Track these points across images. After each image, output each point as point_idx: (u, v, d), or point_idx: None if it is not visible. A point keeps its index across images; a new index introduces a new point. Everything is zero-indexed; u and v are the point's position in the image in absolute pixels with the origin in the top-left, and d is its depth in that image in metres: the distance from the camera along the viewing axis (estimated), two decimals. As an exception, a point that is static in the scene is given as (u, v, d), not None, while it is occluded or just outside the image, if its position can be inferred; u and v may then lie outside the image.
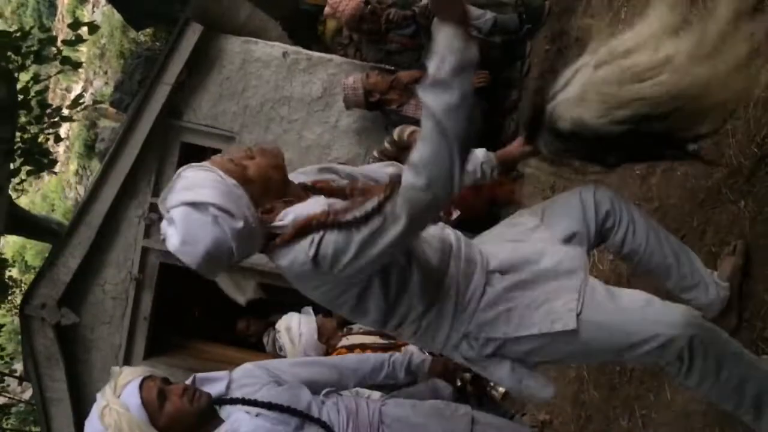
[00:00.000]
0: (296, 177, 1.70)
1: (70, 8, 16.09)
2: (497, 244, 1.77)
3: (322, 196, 1.60)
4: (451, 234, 1.74)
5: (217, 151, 4.74)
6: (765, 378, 1.65)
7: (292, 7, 4.91)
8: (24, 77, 6.42)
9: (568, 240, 1.77)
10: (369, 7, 4.11)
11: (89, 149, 13.58)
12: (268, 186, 1.57)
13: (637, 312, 1.59)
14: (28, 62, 6.15)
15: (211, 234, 1.48)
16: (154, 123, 4.46)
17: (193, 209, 1.49)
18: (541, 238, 1.76)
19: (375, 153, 4.06)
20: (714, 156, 2.28)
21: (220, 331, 5.32)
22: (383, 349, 3.45)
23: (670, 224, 2.47)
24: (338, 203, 1.54)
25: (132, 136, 4.47)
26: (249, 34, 4.78)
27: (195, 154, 4.87)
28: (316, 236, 1.46)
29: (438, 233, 1.70)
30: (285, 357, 3.72)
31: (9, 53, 6.01)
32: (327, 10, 4.11)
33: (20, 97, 6.15)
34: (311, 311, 3.73)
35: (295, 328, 3.57)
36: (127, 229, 4.60)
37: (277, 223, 1.53)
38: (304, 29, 5.47)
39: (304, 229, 1.48)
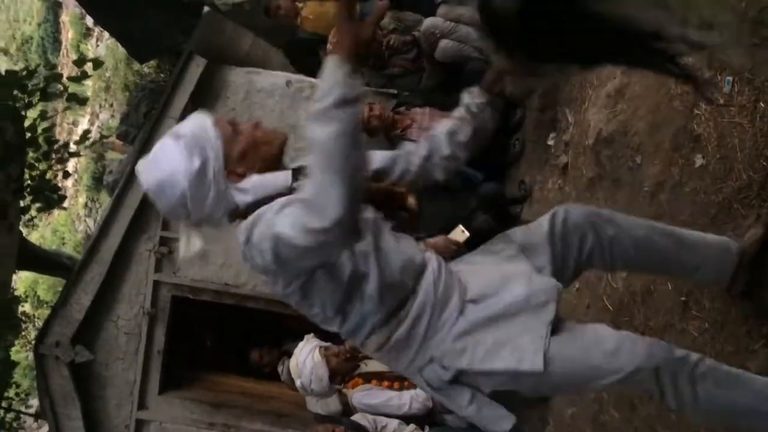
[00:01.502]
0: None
1: (74, 43, 16.29)
2: (474, 273, 1.76)
3: (290, 172, 1.61)
4: (433, 260, 1.73)
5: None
6: (753, 397, 1.62)
7: (292, 36, 4.95)
8: (31, 114, 6.49)
9: (544, 270, 1.77)
10: (370, 37, 4.13)
11: (97, 182, 13.67)
12: (249, 153, 1.61)
13: (602, 346, 1.60)
14: (35, 100, 6.21)
15: (170, 164, 1.54)
16: (161, 157, 4.48)
17: (171, 139, 1.58)
18: (518, 270, 1.75)
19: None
20: (721, 170, 2.28)
21: (234, 362, 5.32)
22: (400, 379, 3.44)
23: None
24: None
25: (140, 171, 4.49)
26: (252, 64, 4.82)
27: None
28: (258, 214, 1.49)
29: (412, 253, 1.69)
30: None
31: (16, 92, 6.07)
32: (329, 47, 4.13)
33: (28, 134, 6.21)
34: (313, 338, 3.71)
35: (300, 361, 3.56)
36: (138, 263, 4.61)
37: (240, 184, 1.56)
38: (306, 55, 5.50)
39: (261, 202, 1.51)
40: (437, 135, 1.81)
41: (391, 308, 1.62)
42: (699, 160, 2.44)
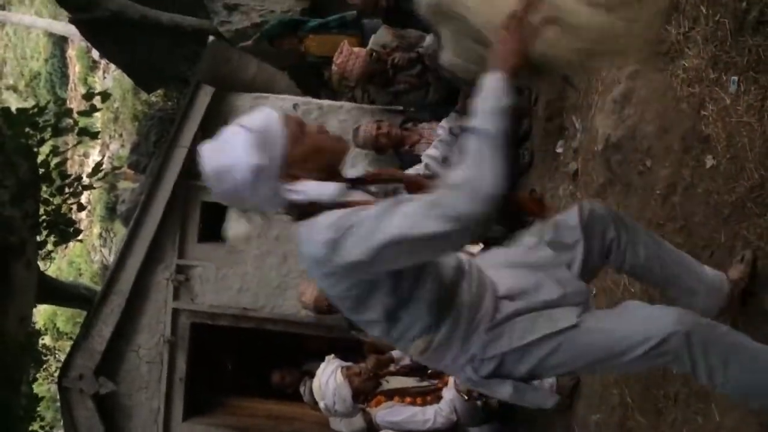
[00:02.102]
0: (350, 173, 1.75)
1: (81, 76, 16.49)
2: (500, 269, 1.82)
3: (344, 184, 1.64)
4: (464, 260, 1.77)
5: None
6: None
7: (298, 59, 5.01)
8: (43, 150, 6.57)
9: (574, 263, 1.85)
10: (374, 55, 4.18)
11: (111, 212, 13.78)
12: (311, 158, 1.62)
13: (632, 315, 1.67)
14: (47, 136, 6.29)
15: (232, 153, 1.55)
16: (174, 186, 4.53)
17: (239, 129, 1.58)
18: (544, 259, 1.83)
19: (393, 194, 4.09)
20: (733, 170, 2.28)
21: (256, 385, 5.33)
22: (422, 394, 3.44)
23: (697, 242, 2.45)
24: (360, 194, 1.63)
25: (153, 201, 4.55)
26: (258, 88, 4.88)
27: (216, 211, 4.94)
28: (338, 217, 1.50)
29: (456, 262, 1.74)
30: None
31: (27, 129, 6.15)
32: (334, 69, 4.18)
33: (41, 170, 6.28)
34: (334, 359, 3.72)
35: (323, 383, 3.56)
36: (156, 292, 4.65)
37: (291, 186, 1.58)
38: (311, 76, 5.56)
39: (318, 206, 1.55)
40: (432, 164, 1.84)
41: (440, 312, 1.66)
42: (710, 161, 2.44)
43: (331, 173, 1.66)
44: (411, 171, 3.73)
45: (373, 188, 1.76)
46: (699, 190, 2.50)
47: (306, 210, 1.58)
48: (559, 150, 3.79)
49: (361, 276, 1.55)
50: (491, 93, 1.43)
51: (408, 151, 4.30)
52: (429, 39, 4.21)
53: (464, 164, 1.41)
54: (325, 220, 1.52)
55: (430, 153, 3.86)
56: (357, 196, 1.65)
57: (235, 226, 1.72)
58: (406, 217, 1.42)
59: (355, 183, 1.71)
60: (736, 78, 2.36)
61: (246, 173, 1.55)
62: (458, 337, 1.68)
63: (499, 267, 1.83)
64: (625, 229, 1.91)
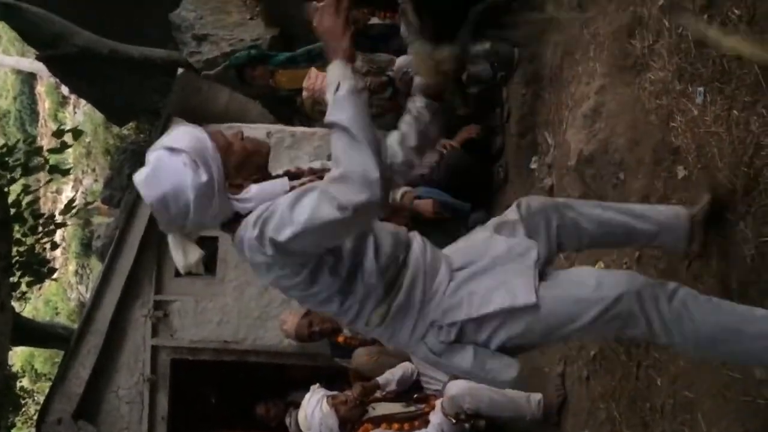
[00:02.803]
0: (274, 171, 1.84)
1: (51, 112, 16.34)
2: (456, 250, 1.92)
3: (286, 178, 1.73)
4: (417, 236, 1.88)
5: (214, 239, 4.75)
6: (740, 320, 1.70)
7: (269, 91, 5.01)
8: (14, 189, 6.46)
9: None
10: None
11: (86, 248, 13.59)
12: (245, 164, 1.69)
13: (586, 280, 1.75)
14: (17, 175, 6.20)
15: (174, 177, 1.57)
16: (149, 220, 4.48)
17: (168, 153, 1.60)
18: (496, 240, 1.91)
19: (370, 218, 4.07)
20: (704, 179, 2.30)
21: (241, 418, 5.24)
22: (410, 419, 3.40)
23: (673, 258, 2.46)
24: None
25: (128, 236, 4.49)
26: (231, 118, 4.85)
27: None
28: (265, 210, 1.57)
29: (397, 230, 1.85)
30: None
31: (-3, 170, 6.06)
32: (305, 94, 4.17)
33: (12, 210, 6.18)
34: (319, 388, 3.67)
35: (309, 413, 3.51)
36: (134, 330, 4.57)
37: (241, 195, 1.64)
38: (284, 103, 5.56)
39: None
40: (390, 144, 1.84)
41: (390, 279, 1.73)
42: (681, 172, 2.46)
43: (264, 174, 1.74)
44: None
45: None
46: (673, 200, 2.52)
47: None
48: (534, 166, 3.81)
49: (296, 260, 1.63)
50: (332, 85, 1.55)
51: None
52: (400, 61, 4.23)
53: (335, 159, 1.53)
54: (252, 217, 1.59)
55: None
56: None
57: (184, 256, 1.71)
58: (310, 207, 1.51)
59: (291, 178, 1.78)
60: (702, 89, 2.39)
61: (191, 194, 1.58)
62: (416, 304, 1.74)
63: (452, 248, 1.94)
64: (566, 211, 1.98)
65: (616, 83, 2.93)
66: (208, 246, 4.95)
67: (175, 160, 1.59)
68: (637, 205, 2.13)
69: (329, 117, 1.54)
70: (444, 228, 3.92)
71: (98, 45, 7.61)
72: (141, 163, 1.57)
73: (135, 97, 8.89)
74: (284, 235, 1.52)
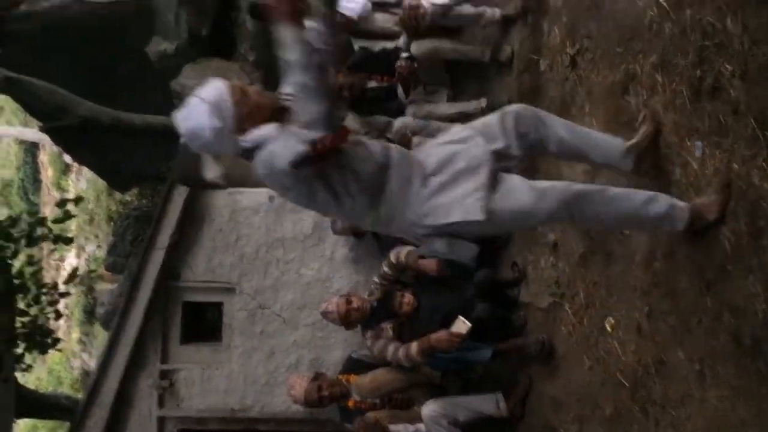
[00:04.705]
0: None
1: (54, 180, 16.48)
2: (429, 149, 2.43)
3: (274, 125, 2.16)
4: (393, 150, 2.36)
5: (219, 305, 4.73)
6: (641, 200, 2.31)
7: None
8: (18, 259, 6.47)
9: (497, 154, 2.37)
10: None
11: (89, 315, 13.50)
12: (254, 114, 2.17)
13: (528, 196, 2.27)
14: (21, 247, 6.21)
15: (198, 119, 2.14)
16: (154, 289, 4.47)
17: (198, 101, 2.16)
18: (464, 147, 2.36)
19: (375, 279, 4.06)
20: (708, 233, 2.31)
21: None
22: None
23: (684, 308, 2.45)
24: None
25: (133, 306, 4.47)
26: (233, 182, 4.89)
27: (197, 311, 4.85)
28: (265, 154, 2.12)
29: (379, 151, 2.31)
30: None
31: (1, 242, 6.08)
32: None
33: (16, 281, 6.17)
34: None
35: None
36: (140, 401, 4.50)
37: (243, 137, 2.16)
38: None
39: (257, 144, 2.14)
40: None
41: (374, 194, 2.26)
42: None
43: (270, 119, 2.18)
44: None
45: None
46: (679, 255, 2.51)
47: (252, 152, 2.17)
48: (536, 221, 3.81)
49: (297, 182, 2.18)
50: (285, 48, 2.04)
51: (388, 235, 4.30)
52: (397, 123, 4.28)
53: (300, 110, 2.11)
54: (261, 153, 2.14)
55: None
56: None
57: (211, 167, 2.37)
58: (291, 146, 2.08)
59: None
60: (700, 143, 2.41)
61: (209, 132, 2.14)
62: (398, 212, 2.29)
63: (429, 148, 2.44)
64: (542, 124, 2.44)
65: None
66: (213, 312, 4.94)
67: (201, 107, 2.14)
68: (595, 135, 2.58)
69: (294, 77, 2.07)
70: (449, 286, 3.90)
71: (100, 114, 7.73)
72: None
73: (137, 164, 8.99)
74: (282, 167, 2.09)
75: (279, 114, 2.22)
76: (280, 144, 2.11)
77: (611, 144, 2.55)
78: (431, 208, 2.28)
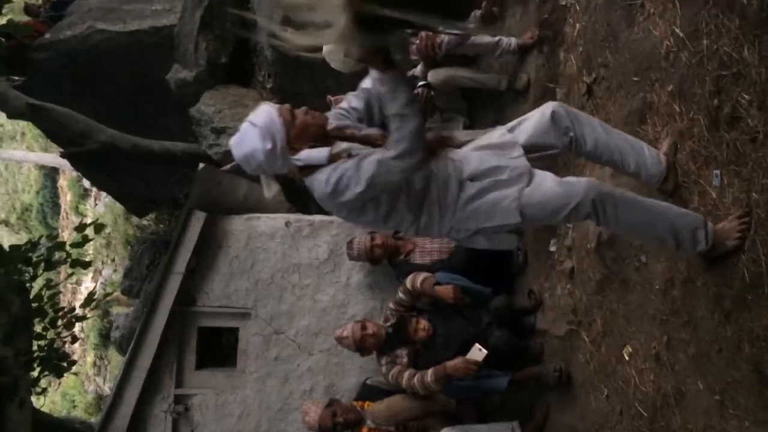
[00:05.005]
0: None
1: (73, 205, 16.67)
2: (469, 152, 2.53)
3: (328, 148, 2.33)
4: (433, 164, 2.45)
5: (234, 330, 4.74)
6: (667, 216, 2.37)
7: (288, 181, 5.10)
8: (36, 283, 6.52)
9: (529, 149, 2.50)
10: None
11: (104, 338, 13.54)
12: (303, 134, 2.32)
13: (556, 190, 2.38)
14: (40, 271, 6.27)
15: (251, 143, 2.29)
16: (170, 313, 4.48)
17: (250, 126, 2.32)
18: (504, 140, 2.53)
19: (391, 305, 4.05)
20: (727, 261, 2.29)
21: None
22: None
23: (704, 337, 2.42)
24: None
25: (149, 331, 4.48)
26: (249, 208, 4.93)
27: (213, 336, 4.86)
28: (328, 174, 2.28)
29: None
30: None
31: (20, 266, 6.14)
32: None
33: (34, 304, 6.21)
34: None
35: None
36: (154, 427, 4.49)
37: (295, 156, 2.31)
38: (300, 189, 5.63)
39: (310, 168, 2.32)
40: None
41: (416, 208, 2.41)
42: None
43: (322, 141, 2.35)
44: None
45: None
46: (698, 283, 2.50)
47: (306, 169, 2.33)
48: (553, 249, 3.81)
49: (353, 204, 2.33)
50: (394, 92, 2.17)
51: (403, 261, 4.31)
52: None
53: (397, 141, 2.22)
54: (322, 176, 2.29)
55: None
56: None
57: (268, 188, 2.45)
58: (373, 167, 2.24)
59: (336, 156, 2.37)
60: (718, 172, 2.41)
61: (262, 155, 2.29)
62: (436, 221, 2.45)
63: (469, 151, 2.54)
64: (578, 123, 2.53)
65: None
66: (228, 337, 4.94)
67: (252, 131, 2.29)
68: (633, 140, 2.63)
69: (397, 121, 2.20)
70: (465, 313, 3.89)
71: (120, 140, 7.84)
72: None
73: (156, 189, 9.08)
74: (352, 192, 2.26)
75: (325, 132, 2.40)
76: (351, 168, 2.26)
77: (647, 150, 2.61)
78: (471, 211, 2.43)
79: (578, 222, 2.59)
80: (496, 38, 4.21)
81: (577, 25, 3.59)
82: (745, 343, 2.19)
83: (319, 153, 2.33)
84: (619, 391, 3.03)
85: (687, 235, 2.36)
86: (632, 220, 2.40)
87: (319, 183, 2.31)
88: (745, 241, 2.25)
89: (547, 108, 2.55)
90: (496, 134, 2.58)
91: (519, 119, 2.61)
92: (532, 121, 2.55)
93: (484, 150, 2.52)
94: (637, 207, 2.40)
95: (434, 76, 4.31)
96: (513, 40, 4.18)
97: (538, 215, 2.42)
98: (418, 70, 4.39)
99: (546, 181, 2.41)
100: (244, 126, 2.35)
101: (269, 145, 2.27)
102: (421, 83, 4.31)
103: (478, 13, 4.21)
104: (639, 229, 2.46)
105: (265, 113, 2.34)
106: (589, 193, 2.34)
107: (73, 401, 15.22)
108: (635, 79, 2.95)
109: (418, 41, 4.23)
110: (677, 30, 2.65)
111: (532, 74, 4.17)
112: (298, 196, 5.65)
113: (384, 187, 2.32)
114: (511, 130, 2.58)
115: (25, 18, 9.89)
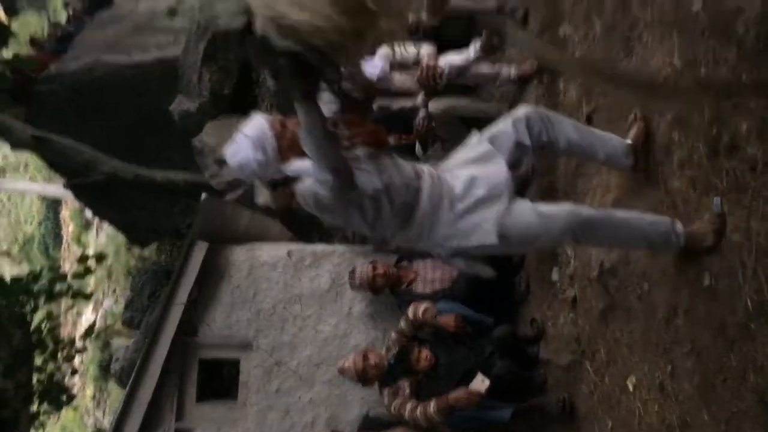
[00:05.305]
0: None
1: (75, 236, 16.71)
2: (455, 170, 2.60)
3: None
4: (426, 174, 2.56)
5: (236, 363, 4.71)
6: (640, 227, 2.52)
7: (289, 209, 5.11)
8: (37, 315, 6.51)
9: (511, 162, 2.61)
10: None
11: (104, 370, 13.44)
12: (294, 144, 2.38)
13: (536, 224, 2.47)
14: (41, 303, 6.26)
15: (244, 153, 2.42)
16: (171, 345, 4.46)
17: (243, 137, 2.44)
18: (484, 153, 2.61)
19: (393, 334, 4.03)
20: (729, 289, 2.28)
21: None
22: None
23: (708, 366, 2.40)
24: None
25: (150, 363, 4.45)
26: (252, 237, 4.94)
27: (213, 368, 4.83)
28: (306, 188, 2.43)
29: (409, 178, 2.51)
30: None
31: (22, 298, 6.13)
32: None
33: (34, 336, 6.20)
34: None
35: None
36: (154, 461, 4.44)
37: (286, 165, 2.43)
38: (303, 218, 5.65)
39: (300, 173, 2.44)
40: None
41: (404, 218, 2.50)
42: (706, 280, 2.45)
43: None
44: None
45: None
46: (700, 312, 2.49)
47: (296, 179, 2.45)
48: (555, 277, 3.80)
49: (336, 216, 2.52)
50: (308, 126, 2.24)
51: (405, 291, 4.30)
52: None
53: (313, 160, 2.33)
54: (304, 190, 2.42)
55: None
56: None
57: (262, 193, 2.63)
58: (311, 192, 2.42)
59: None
60: (718, 199, 2.42)
61: (255, 164, 2.43)
62: (425, 232, 2.53)
63: (455, 168, 2.62)
64: (551, 125, 2.66)
65: (631, 195, 2.98)
66: (229, 369, 4.90)
67: (245, 142, 2.42)
68: (600, 133, 2.81)
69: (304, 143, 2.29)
70: (467, 343, 3.87)
71: (123, 171, 7.90)
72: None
73: (159, 220, 9.11)
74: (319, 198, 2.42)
75: None
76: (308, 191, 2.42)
77: (614, 141, 2.79)
78: (456, 231, 2.51)
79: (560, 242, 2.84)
80: (497, 68, 4.25)
81: (576, 55, 3.63)
82: (750, 373, 2.17)
83: (305, 163, 2.43)
84: (624, 422, 2.99)
85: (659, 240, 2.52)
86: (608, 237, 2.57)
87: (302, 197, 2.48)
88: (722, 240, 2.36)
89: (520, 113, 2.68)
90: (473, 142, 2.68)
91: (493, 130, 2.69)
92: (507, 135, 2.66)
93: (469, 166, 2.61)
94: (612, 225, 2.52)
95: (435, 105, 4.35)
96: (513, 70, 4.23)
97: (514, 244, 2.53)
98: (419, 100, 4.43)
99: (525, 213, 2.50)
100: (238, 136, 2.48)
101: (260, 156, 2.42)
102: (422, 114, 4.34)
103: (478, 43, 4.26)
104: (614, 242, 2.68)
105: (256, 124, 2.47)
106: (567, 231, 2.46)
107: (73, 435, 15.04)
108: (634, 108, 2.97)
109: (419, 72, 4.28)
110: (675, 60, 2.68)
111: (532, 103, 4.20)
112: (299, 225, 5.67)
113: (334, 207, 2.46)
114: (490, 141, 2.66)
115: (31, 50, 10.04)
